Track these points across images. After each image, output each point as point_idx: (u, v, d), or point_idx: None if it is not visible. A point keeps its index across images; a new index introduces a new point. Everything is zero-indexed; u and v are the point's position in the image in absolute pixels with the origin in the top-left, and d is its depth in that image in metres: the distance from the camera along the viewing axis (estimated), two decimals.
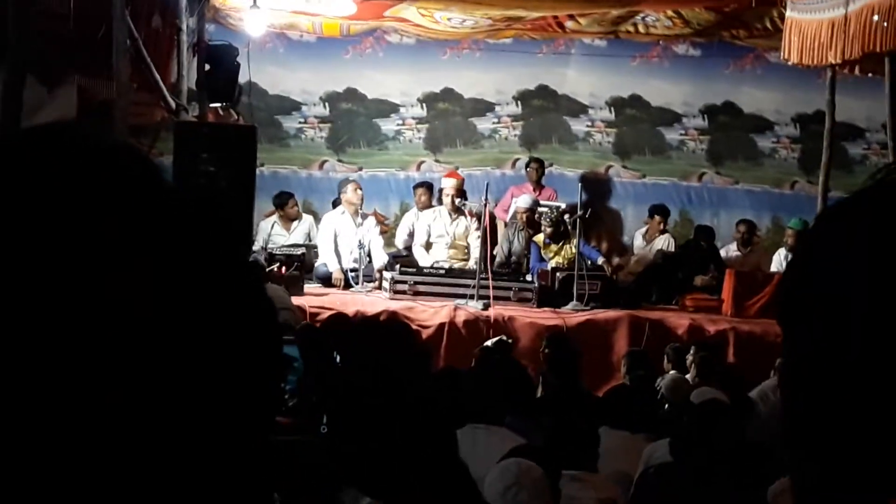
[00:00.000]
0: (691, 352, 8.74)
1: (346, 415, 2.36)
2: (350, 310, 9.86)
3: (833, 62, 10.07)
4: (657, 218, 13.09)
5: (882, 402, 0.84)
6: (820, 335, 0.88)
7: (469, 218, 12.22)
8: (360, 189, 12.16)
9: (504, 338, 9.42)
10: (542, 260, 11.63)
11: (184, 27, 10.35)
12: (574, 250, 11.27)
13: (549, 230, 11.61)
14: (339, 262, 11.69)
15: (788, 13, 10.67)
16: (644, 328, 10.46)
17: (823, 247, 0.92)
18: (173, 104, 10.10)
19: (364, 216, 11.93)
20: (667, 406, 7.34)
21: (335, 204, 12.40)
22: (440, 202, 12.53)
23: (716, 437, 5.05)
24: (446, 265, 11.73)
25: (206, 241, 0.82)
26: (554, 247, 11.61)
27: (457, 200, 12.12)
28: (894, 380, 0.83)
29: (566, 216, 11.86)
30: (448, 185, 12.28)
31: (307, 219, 12.65)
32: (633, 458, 5.78)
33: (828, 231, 0.93)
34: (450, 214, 12.18)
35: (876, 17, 8.97)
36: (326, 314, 9.59)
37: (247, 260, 0.87)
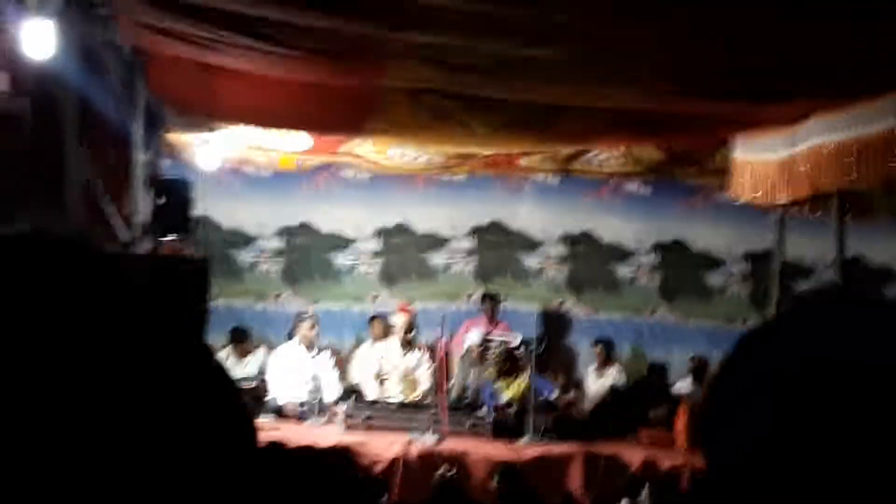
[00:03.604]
0: (645, 488, 8.70)
1: None
2: (301, 442, 9.77)
3: (783, 202, 10.22)
4: (598, 348, 13.23)
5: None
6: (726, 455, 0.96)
7: (422, 351, 12.22)
8: (316, 325, 12.18)
9: (447, 470, 9.36)
10: (494, 395, 11.61)
11: (138, 160, 10.38)
12: (527, 384, 11.26)
13: (497, 366, 11.64)
14: (292, 394, 11.64)
15: (737, 153, 10.85)
16: (599, 462, 10.41)
17: (729, 378, 0.99)
18: (126, 237, 10.07)
19: (319, 350, 11.93)
20: None
21: (290, 336, 12.39)
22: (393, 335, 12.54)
23: None
24: (398, 399, 11.69)
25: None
26: (506, 381, 11.60)
27: (409, 335, 12.13)
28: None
29: (519, 350, 11.90)
30: (398, 320, 12.32)
31: (261, 351, 12.63)
32: None
33: (733, 364, 1.00)
34: (401, 348, 12.17)
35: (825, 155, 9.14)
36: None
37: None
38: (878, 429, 0.91)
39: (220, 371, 0.88)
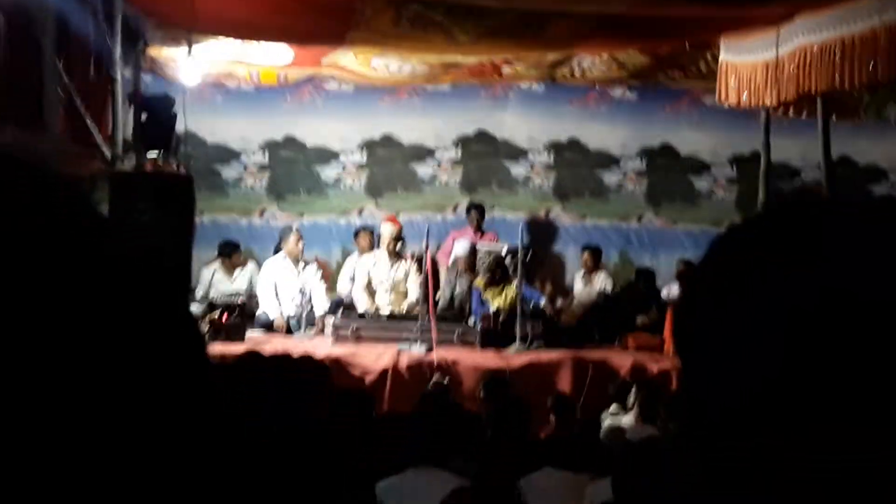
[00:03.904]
0: (633, 391, 8.76)
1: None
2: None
3: (770, 104, 10.18)
4: (586, 254, 13.25)
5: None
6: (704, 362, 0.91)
7: (409, 262, 12.23)
8: (302, 239, 12.18)
9: (439, 379, 9.42)
10: (483, 303, 11.65)
11: (119, 77, 10.28)
12: (515, 293, 11.29)
13: (487, 275, 11.64)
14: (281, 308, 11.69)
15: (722, 56, 10.79)
16: (587, 369, 10.48)
17: (706, 280, 0.95)
18: (109, 154, 10.01)
19: (305, 263, 11.94)
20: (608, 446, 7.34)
21: (276, 250, 12.38)
22: (379, 247, 12.54)
23: (655, 476, 5.05)
24: (388, 310, 11.73)
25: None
26: (493, 290, 11.63)
27: (396, 245, 12.13)
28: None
29: (506, 260, 11.93)
30: (386, 231, 12.29)
31: (250, 266, 12.61)
32: (577, 497, 5.76)
33: (708, 264, 0.95)
34: (389, 259, 12.17)
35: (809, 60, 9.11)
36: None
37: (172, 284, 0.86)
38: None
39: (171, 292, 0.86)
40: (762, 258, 0.92)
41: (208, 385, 0.85)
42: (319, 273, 12.24)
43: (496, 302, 11.52)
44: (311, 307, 11.69)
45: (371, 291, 12.11)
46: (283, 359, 2.56)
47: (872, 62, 8.37)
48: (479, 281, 11.75)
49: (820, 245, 0.90)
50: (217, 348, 10.03)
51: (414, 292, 11.82)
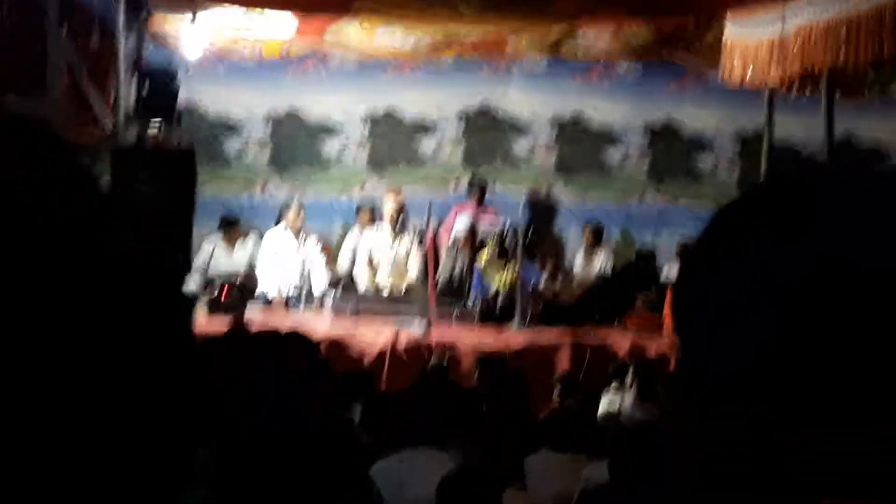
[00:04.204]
0: (630, 371, 8.75)
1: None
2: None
3: (774, 81, 10.16)
4: (587, 231, 13.28)
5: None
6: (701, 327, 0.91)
7: (412, 238, 12.19)
8: (303, 211, 12.16)
9: (439, 360, 9.43)
10: (483, 283, 11.64)
11: (122, 46, 10.24)
12: (516, 272, 11.27)
13: (494, 249, 11.64)
14: (280, 280, 11.68)
15: (727, 33, 10.76)
16: (586, 349, 10.47)
17: (705, 249, 0.95)
18: (111, 124, 9.99)
19: (306, 236, 11.93)
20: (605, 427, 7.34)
21: (278, 224, 12.36)
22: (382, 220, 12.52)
23: (653, 457, 5.04)
24: (387, 286, 11.72)
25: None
26: (494, 269, 11.62)
27: (398, 219, 12.10)
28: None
29: (507, 236, 11.92)
30: (388, 204, 12.25)
31: (250, 240, 12.58)
32: (574, 479, 5.76)
33: (708, 234, 0.95)
34: (391, 234, 12.15)
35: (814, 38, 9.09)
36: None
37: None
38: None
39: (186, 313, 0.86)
40: (759, 227, 0.93)
41: (194, 364, 0.85)
42: (319, 247, 12.22)
43: (496, 281, 11.52)
44: (311, 282, 11.69)
45: (373, 268, 12.09)
46: (269, 336, 2.53)
47: (878, 40, 8.36)
48: (481, 258, 11.76)
49: (815, 214, 0.90)
50: (216, 323, 10.03)
51: (415, 270, 11.81)
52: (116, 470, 0.79)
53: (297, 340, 2.50)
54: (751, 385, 0.88)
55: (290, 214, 12.07)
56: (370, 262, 12.08)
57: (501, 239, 11.77)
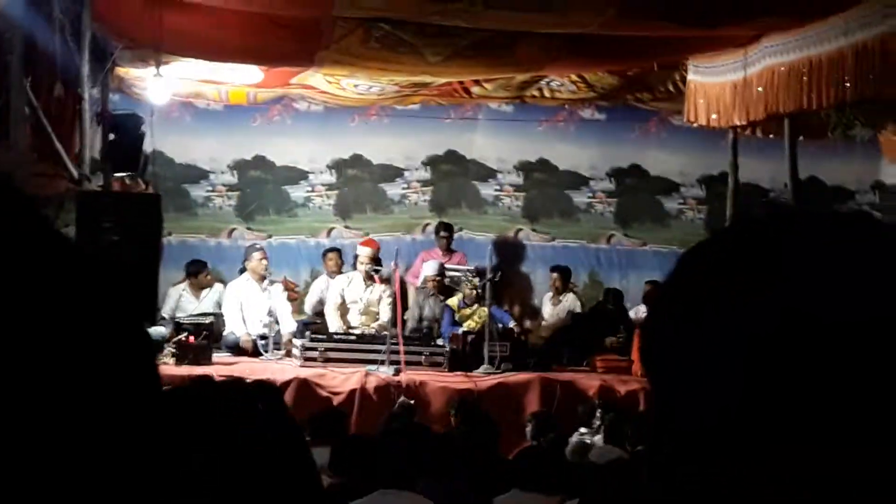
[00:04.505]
0: (598, 414, 8.76)
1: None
2: (257, 376, 9.76)
3: (738, 123, 10.25)
4: (554, 276, 13.23)
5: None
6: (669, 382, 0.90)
7: (384, 285, 12.17)
8: (266, 258, 12.13)
9: (406, 400, 9.41)
10: (454, 324, 11.64)
11: (86, 96, 10.22)
12: (486, 314, 11.29)
13: (469, 293, 11.67)
14: (247, 329, 11.62)
15: (690, 77, 10.87)
16: (555, 390, 10.47)
17: (668, 302, 0.93)
18: (76, 174, 9.95)
19: (272, 283, 11.89)
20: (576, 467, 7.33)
21: (242, 272, 12.31)
22: (354, 268, 12.48)
23: (623, 497, 5.04)
24: (359, 331, 11.69)
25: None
26: (468, 311, 11.64)
27: (371, 268, 12.08)
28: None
29: (475, 280, 11.94)
30: (364, 253, 12.23)
31: (217, 287, 12.54)
32: None
33: (670, 285, 0.94)
34: (364, 281, 12.13)
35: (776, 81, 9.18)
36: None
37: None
38: (866, 398, 0.83)
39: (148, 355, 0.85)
40: (722, 279, 0.90)
41: (157, 408, 0.84)
42: (285, 294, 12.19)
43: (469, 322, 11.55)
44: (279, 327, 11.65)
45: (343, 311, 12.06)
46: (234, 383, 2.52)
47: (840, 82, 8.44)
48: (454, 300, 11.78)
49: (780, 265, 0.87)
50: (182, 371, 9.98)
51: (386, 314, 11.81)
52: None
53: (262, 389, 2.49)
54: (717, 443, 0.87)
55: (253, 259, 12.04)
56: (342, 305, 12.04)
57: (472, 283, 11.80)
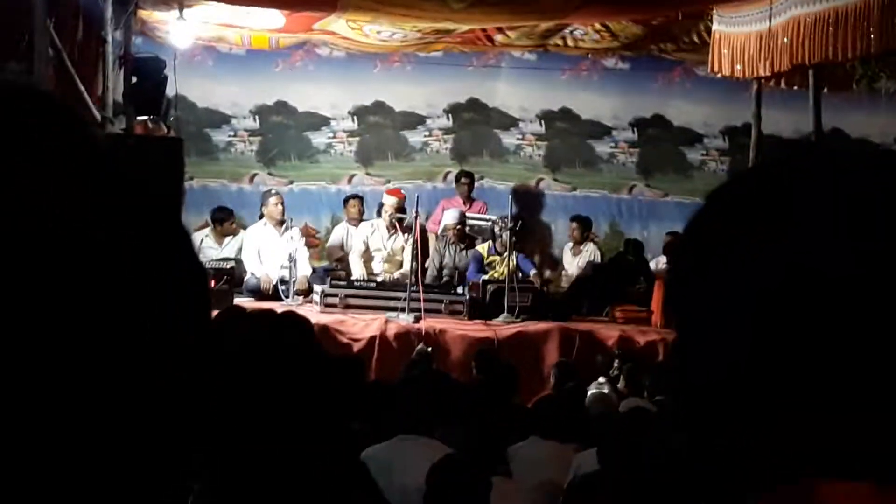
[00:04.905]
0: (615, 364, 8.77)
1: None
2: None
3: (763, 74, 10.18)
4: (574, 225, 13.21)
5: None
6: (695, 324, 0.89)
7: (406, 234, 12.18)
8: (282, 203, 12.13)
9: (423, 347, 9.43)
10: (479, 272, 11.64)
11: (109, 39, 10.22)
12: (513, 263, 11.29)
13: (502, 237, 11.65)
14: (267, 273, 11.65)
15: (715, 27, 10.78)
16: (574, 340, 10.47)
17: (685, 253, 0.92)
18: (99, 116, 9.96)
19: (289, 227, 11.90)
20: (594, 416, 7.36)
21: (261, 217, 12.33)
22: (378, 216, 12.49)
23: (642, 446, 5.05)
24: (381, 278, 11.71)
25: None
26: (498, 258, 11.65)
27: (396, 216, 12.09)
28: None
29: (496, 229, 11.93)
30: (389, 202, 12.23)
31: (241, 235, 12.53)
32: (563, 467, 5.77)
33: (688, 235, 0.92)
34: (388, 229, 12.15)
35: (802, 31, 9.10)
36: None
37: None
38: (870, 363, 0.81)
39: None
40: (732, 230, 0.88)
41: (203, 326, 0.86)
42: (304, 239, 12.21)
43: (497, 270, 11.55)
44: (297, 272, 11.67)
45: (367, 259, 12.09)
46: (265, 312, 2.54)
47: (866, 34, 8.37)
48: (484, 247, 11.81)
49: (791, 213, 0.85)
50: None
51: (409, 262, 11.82)
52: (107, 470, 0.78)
53: (292, 319, 2.50)
54: (726, 401, 0.86)
55: (270, 205, 12.05)
56: (366, 250, 12.07)
57: (507, 228, 11.75)
